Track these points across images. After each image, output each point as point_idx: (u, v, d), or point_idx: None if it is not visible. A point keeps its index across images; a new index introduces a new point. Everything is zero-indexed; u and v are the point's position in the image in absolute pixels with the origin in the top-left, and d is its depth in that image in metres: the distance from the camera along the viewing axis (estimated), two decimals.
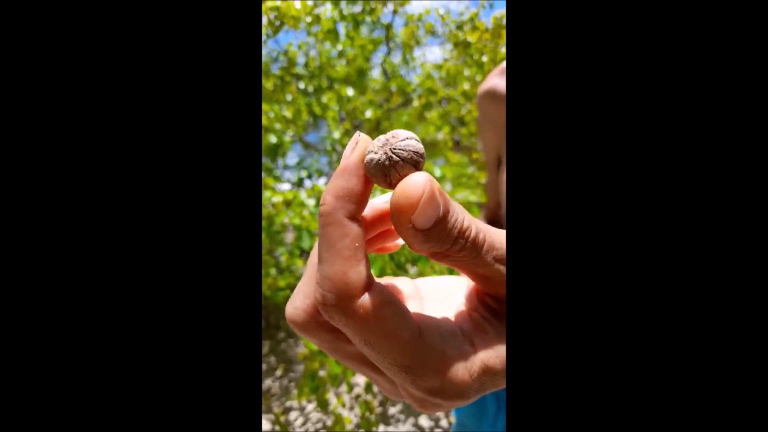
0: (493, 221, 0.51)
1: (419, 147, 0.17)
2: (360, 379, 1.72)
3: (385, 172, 0.17)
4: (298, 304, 0.20)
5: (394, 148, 0.17)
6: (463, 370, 0.18)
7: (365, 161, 0.17)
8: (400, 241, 0.22)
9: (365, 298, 0.17)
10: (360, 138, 0.17)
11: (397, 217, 0.16)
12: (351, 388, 1.32)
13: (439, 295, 0.23)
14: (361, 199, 0.17)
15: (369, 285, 0.17)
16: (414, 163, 0.17)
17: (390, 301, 0.17)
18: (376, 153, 0.17)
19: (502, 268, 0.18)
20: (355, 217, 0.17)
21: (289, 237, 1.68)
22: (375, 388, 1.68)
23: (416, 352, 0.17)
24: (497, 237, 0.18)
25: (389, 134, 0.17)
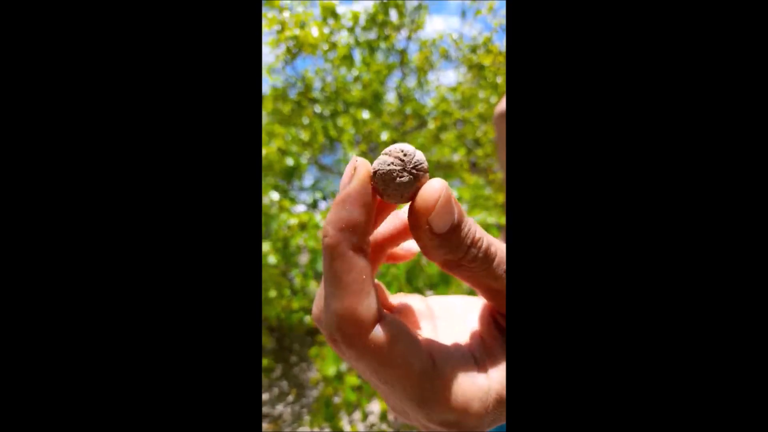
0: None
1: (424, 157, 0.17)
2: (375, 407, 1.67)
3: (407, 189, 0.17)
4: (321, 305, 0.19)
5: (415, 167, 0.16)
6: (479, 403, 0.17)
7: (383, 184, 0.16)
8: (415, 247, 0.22)
9: (376, 332, 0.16)
10: (358, 163, 0.16)
11: (416, 219, 0.16)
12: (365, 416, 1.27)
13: (452, 315, 0.22)
14: (365, 230, 0.16)
15: (380, 317, 0.16)
16: (426, 172, 0.17)
17: (401, 332, 0.17)
18: (401, 176, 0.16)
19: None
20: (361, 248, 0.16)
21: (303, 259, 1.68)
22: (391, 417, 1.62)
23: (429, 385, 0.16)
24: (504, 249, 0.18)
25: (395, 152, 0.17)
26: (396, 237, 0.21)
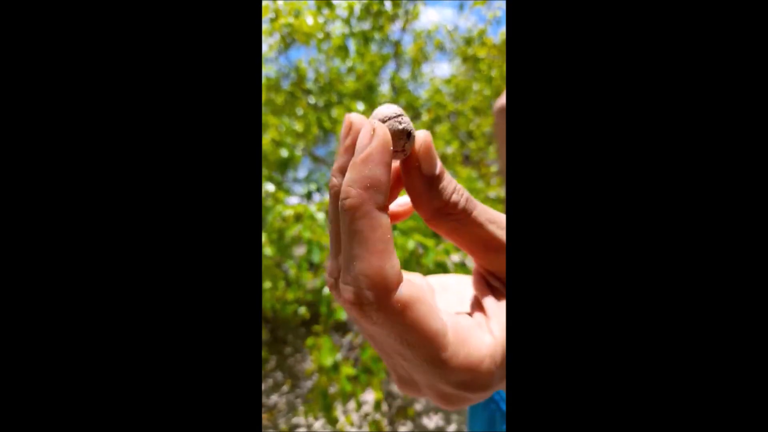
0: None
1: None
2: (369, 397, 1.69)
3: (406, 143, 0.18)
4: (339, 269, 0.19)
5: (407, 123, 0.18)
6: (490, 360, 0.18)
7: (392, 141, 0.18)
8: (408, 202, 0.22)
9: (401, 292, 0.16)
10: (377, 126, 0.17)
11: (409, 164, 0.18)
12: (360, 405, 1.29)
13: (448, 289, 0.24)
14: (387, 188, 0.17)
15: (402, 278, 0.17)
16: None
17: (421, 293, 0.17)
18: (401, 133, 0.18)
19: (497, 230, 0.20)
20: (384, 207, 0.16)
21: (298, 251, 1.68)
22: (384, 407, 1.64)
23: (447, 346, 0.17)
24: (483, 204, 0.20)
25: (391, 113, 0.18)
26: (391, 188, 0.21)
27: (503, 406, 0.45)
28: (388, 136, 0.17)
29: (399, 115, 0.18)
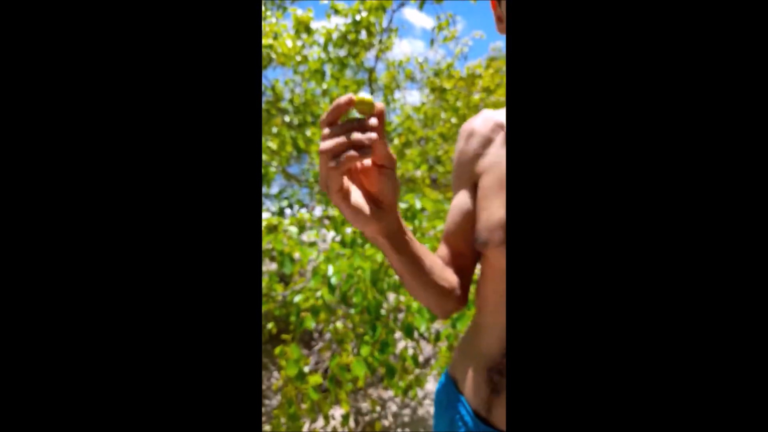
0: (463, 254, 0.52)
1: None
2: (337, 412, 1.69)
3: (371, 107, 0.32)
4: None
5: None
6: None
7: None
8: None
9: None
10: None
11: (371, 109, 0.32)
12: (328, 420, 1.29)
13: None
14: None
15: None
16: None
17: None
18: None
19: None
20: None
21: (271, 266, 1.68)
22: (351, 423, 1.64)
23: None
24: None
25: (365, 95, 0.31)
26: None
27: (467, 420, 0.48)
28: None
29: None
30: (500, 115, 0.49)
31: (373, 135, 0.30)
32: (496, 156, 0.46)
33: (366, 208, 0.33)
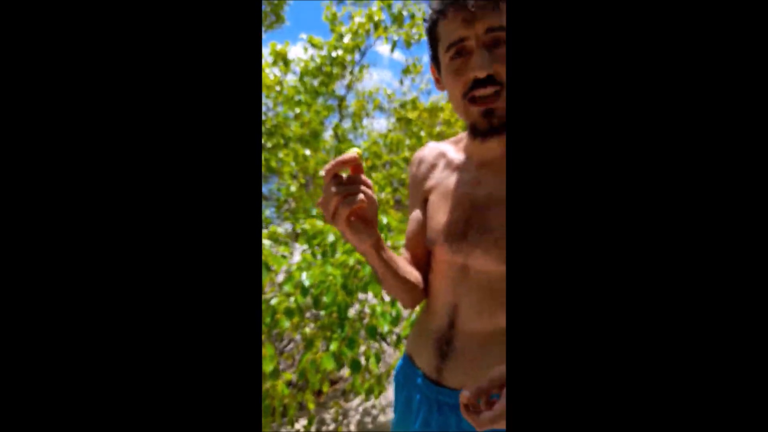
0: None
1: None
2: (300, 424, 1.74)
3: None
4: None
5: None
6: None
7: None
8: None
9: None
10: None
11: (354, 160, 0.45)
12: (293, 424, 1.35)
13: None
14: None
15: None
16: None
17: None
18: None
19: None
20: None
21: None
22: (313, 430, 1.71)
23: None
24: None
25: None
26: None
27: (421, 384, 0.58)
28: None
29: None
30: (442, 146, 0.65)
31: (367, 188, 0.45)
32: (440, 178, 0.60)
33: (362, 230, 0.47)
